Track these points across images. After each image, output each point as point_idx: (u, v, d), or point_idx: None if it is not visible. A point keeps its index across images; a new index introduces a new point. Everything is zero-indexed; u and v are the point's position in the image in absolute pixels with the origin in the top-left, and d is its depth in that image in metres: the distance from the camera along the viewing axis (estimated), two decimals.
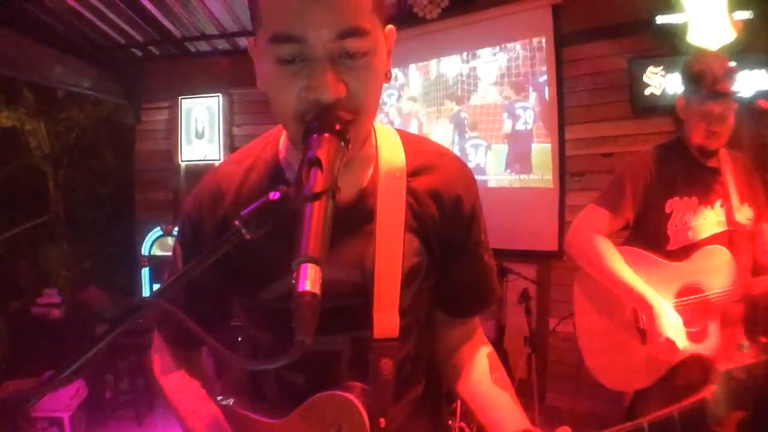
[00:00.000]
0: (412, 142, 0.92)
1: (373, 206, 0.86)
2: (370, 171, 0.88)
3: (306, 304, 0.56)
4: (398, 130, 0.94)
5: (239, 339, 1.03)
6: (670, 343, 1.66)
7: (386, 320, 0.84)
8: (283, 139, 0.90)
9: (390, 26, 0.80)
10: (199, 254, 0.65)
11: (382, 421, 0.84)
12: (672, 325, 1.67)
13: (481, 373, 0.96)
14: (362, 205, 0.86)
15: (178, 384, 0.98)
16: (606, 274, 1.80)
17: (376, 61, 0.74)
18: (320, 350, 0.82)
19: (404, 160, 0.89)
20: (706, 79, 1.74)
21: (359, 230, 0.85)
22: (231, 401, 0.94)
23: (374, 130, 0.90)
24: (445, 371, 1.01)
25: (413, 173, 0.88)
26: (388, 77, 0.80)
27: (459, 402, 2.68)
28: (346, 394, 0.83)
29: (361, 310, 0.84)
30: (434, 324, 0.99)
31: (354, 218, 0.85)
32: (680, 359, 1.72)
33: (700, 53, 1.95)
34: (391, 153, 0.89)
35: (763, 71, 2.92)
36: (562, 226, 3.48)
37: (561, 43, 3.52)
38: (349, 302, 0.84)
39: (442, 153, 0.94)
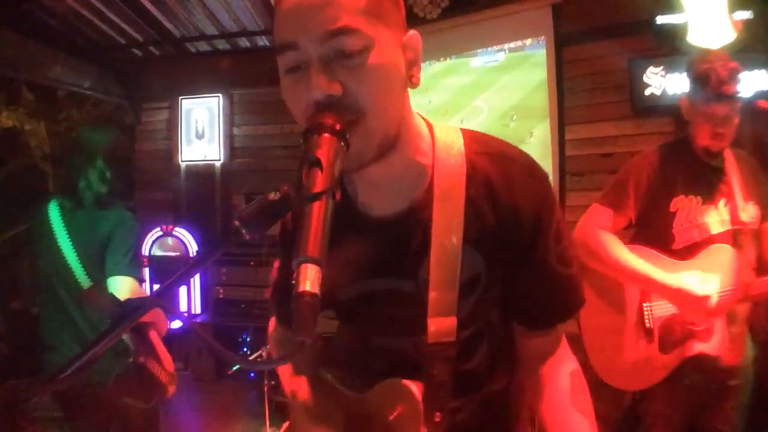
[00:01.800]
0: (476, 143, 0.89)
1: (429, 218, 0.84)
2: (425, 181, 0.86)
3: (305, 305, 0.57)
4: (462, 130, 0.91)
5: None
6: (706, 299, 1.68)
7: (441, 325, 0.84)
8: None
9: (412, 32, 0.81)
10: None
11: (438, 415, 0.85)
12: (697, 285, 1.71)
13: (563, 395, 0.93)
14: (417, 215, 0.86)
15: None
16: (615, 265, 1.81)
17: (375, 60, 0.74)
18: (385, 347, 0.92)
19: (464, 166, 0.86)
20: (711, 80, 1.73)
21: (413, 241, 0.85)
22: (328, 375, 0.98)
23: (433, 136, 0.89)
24: (528, 385, 0.99)
25: (473, 179, 0.85)
26: (413, 83, 0.81)
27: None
28: (409, 383, 0.85)
29: (416, 318, 0.85)
30: (515, 334, 0.97)
31: (406, 230, 0.86)
32: (709, 318, 1.74)
33: (705, 53, 1.93)
34: (449, 158, 0.87)
35: (763, 71, 2.93)
36: None
37: (561, 43, 3.52)
38: (402, 311, 0.86)
39: (508, 155, 0.88)
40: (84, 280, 2.15)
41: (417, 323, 0.85)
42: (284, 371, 1.07)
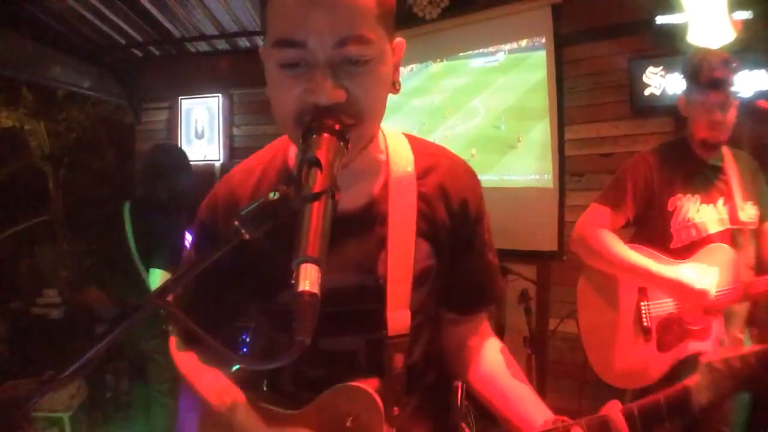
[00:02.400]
0: (419, 146, 0.95)
1: (385, 212, 0.87)
2: (382, 177, 0.90)
3: (305, 304, 0.57)
4: (405, 134, 0.96)
5: (247, 339, 1.07)
6: (704, 293, 1.68)
7: (399, 318, 0.87)
8: (292, 145, 0.92)
9: (399, 39, 0.82)
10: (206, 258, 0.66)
11: (396, 410, 0.88)
12: (696, 278, 1.71)
13: (498, 367, 0.99)
14: (374, 211, 0.88)
15: (197, 370, 0.99)
16: (614, 261, 1.82)
17: (380, 70, 0.75)
18: (337, 350, 0.88)
19: (413, 165, 0.91)
20: (703, 69, 1.76)
21: (371, 236, 0.87)
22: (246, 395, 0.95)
23: (384, 136, 0.93)
24: (456, 365, 1.04)
25: (422, 176, 0.91)
26: (396, 88, 0.83)
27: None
28: (361, 385, 0.86)
29: (375, 313, 0.87)
30: (442, 322, 1.02)
31: (366, 224, 0.88)
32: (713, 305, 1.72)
33: (699, 50, 1.96)
34: (401, 158, 0.92)
35: (763, 71, 2.92)
36: (562, 226, 3.48)
37: (561, 43, 3.52)
38: (363, 306, 0.87)
39: (448, 156, 0.96)
40: (141, 268, 2.72)
41: (376, 318, 0.87)
42: (189, 393, 0.98)
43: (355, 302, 0.87)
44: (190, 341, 1.01)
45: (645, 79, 3.26)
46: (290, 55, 0.72)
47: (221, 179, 0.97)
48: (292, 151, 0.92)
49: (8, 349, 4.01)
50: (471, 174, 0.97)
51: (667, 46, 3.12)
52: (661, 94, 3.22)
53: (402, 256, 0.86)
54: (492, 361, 1.00)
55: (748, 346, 0.87)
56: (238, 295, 0.95)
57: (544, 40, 3.56)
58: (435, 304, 0.96)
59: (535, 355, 2.92)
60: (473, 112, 3.96)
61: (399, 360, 0.88)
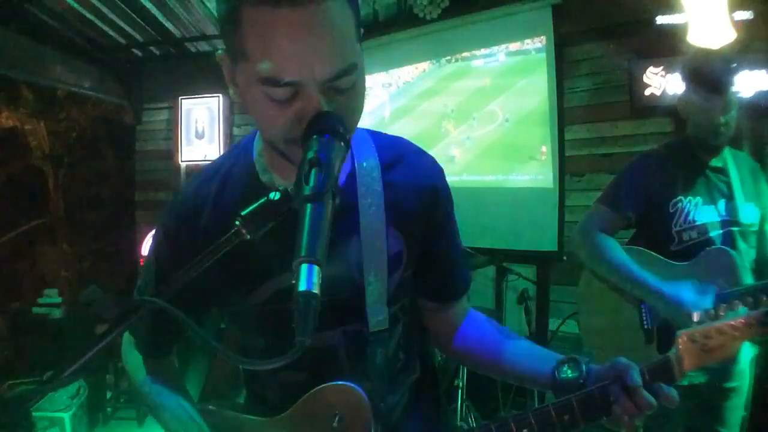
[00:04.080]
0: (381, 139, 0.96)
1: (354, 202, 0.88)
2: (347, 170, 0.90)
3: (306, 305, 0.57)
4: (366, 130, 0.97)
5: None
6: (692, 318, 1.66)
7: (378, 313, 0.88)
8: (258, 147, 0.91)
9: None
10: (177, 264, 0.65)
11: (382, 406, 0.88)
12: (693, 302, 1.67)
13: (494, 333, 1.03)
14: (342, 202, 0.87)
15: (158, 387, 0.98)
16: (611, 270, 1.80)
17: (361, 84, 0.77)
18: (316, 347, 0.85)
19: (377, 157, 0.92)
20: (703, 72, 1.74)
21: (342, 227, 0.86)
22: (213, 408, 0.94)
23: None
24: (452, 353, 1.05)
25: (388, 168, 0.92)
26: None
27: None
28: (346, 383, 0.85)
29: (352, 304, 0.87)
30: (426, 315, 1.04)
31: (336, 213, 0.87)
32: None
33: (698, 51, 1.95)
34: (364, 150, 0.92)
35: (763, 71, 2.92)
36: (562, 226, 3.48)
37: (561, 43, 3.52)
38: (340, 297, 0.86)
39: (410, 146, 0.98)
40: None
41: (354, 310, 0.87)
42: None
43: (330, 293, 0.85)
44: (153, 353, 1.00)
45: (645, 79, 3.26)
46: (281, 92, 0.71)
47: (186, 182, 0.98)
48: (256, 152, 0.91)
49: (8, 349, 4.01)
50: (435, 163, 0.99)
51: (667, 46, 3.12)
52: (661, 94, 3.22)
53: (375, 246, 0.87)
54: (482, 327, 1.04)
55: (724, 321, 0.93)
56: (209, 301, 0.94)
57: (544, 40, 3.56)
58: (407, 294, 0.97)
59: None
60: (473, 113, 3.95)
61: (380, 355, 0.88)
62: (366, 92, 0.83)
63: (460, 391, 2.71)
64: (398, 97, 4.30)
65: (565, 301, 3.45)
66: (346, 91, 0.74)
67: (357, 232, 0.87)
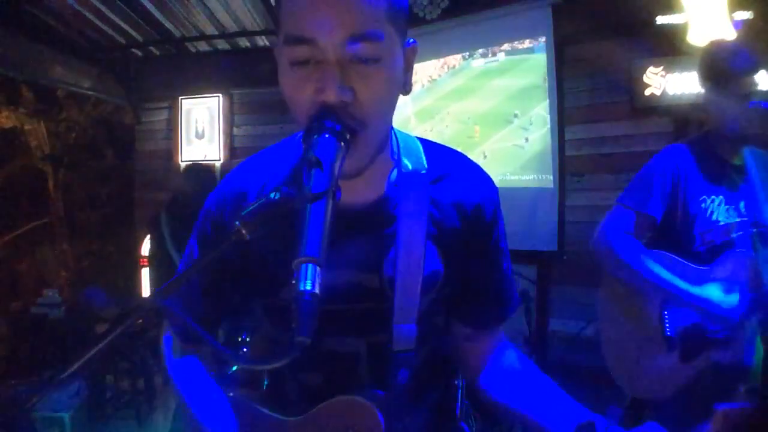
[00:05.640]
0: (433, 150, 0.93)
1: (395, 212, 0.86)
2: (392, 177, 0.88)
3: (306, 304, 0.57)
4: (419, 138, 0.95)
5: (247, 339, 1.04)
6: (732, 312, 1.63)
7: (405, 331, 0.85)
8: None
9: (412, 41, 0.81)
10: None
11: (398, 427, 0.85)
12: (722, 298, 1.64)
13: (521, 372, 0.97)
14: (382, 210, 0.86)
15: (187, 374, 0.98)
16: (639, 275, 1.72)
17: (389, 70, 0.75)
18: (337, 351, 0.86)
19: (426, 168, 0.89)
20: (737, 53, 1.66)
21: (378, 235, 0.85)
22: (232, 395, 0.94)
23: (396, 136, 0.91)
24: (475, 389, 1.00)
25: (435, 181, 0.89)
26: (407, 90, 0.82)
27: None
28: (364, 399, 0.83)
29: (378, 315, 0.85)
30: (458, 339, 0.99)
31: (373, 223, 0.86)
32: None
33: (715, 43, 1.85)
34: (413, 160, 0.89)
35: (763, 71, 2.92)
36: (562, 226, 3.48)
37: (561, 43, 3.52)
38: (365, 306, 0.85)
39: (463, 161, 0.95)
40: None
41: (378, 322, 0.85)
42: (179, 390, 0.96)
43: (357, 301, 0.85)
44: (187, 340, 1.00)
45: (645, 79, 3.26)
46: (300, 52, 0.72)
47: (230, 172, 0.96)
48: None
49: (8, 349, 4.02)
50: (486, 180, 0.94)
51: (667, 46, 3.12)
52: (661, 94, 3.22)
53: (411, 260, 0.84)
54: (511, 368, 0.97)
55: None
56: (238, 292, 0.95)
57: (544, 40, 3.56)
58: (440, 314, 0.94)
59: (535, 355, 2.92)
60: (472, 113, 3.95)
61: (403, 375, 0.85)
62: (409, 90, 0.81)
63: (460, 391, 2.70)
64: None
65: (566, 301, 3.45)
66: (368, 67, 0.72)
67: (394, 244, 0.85)
